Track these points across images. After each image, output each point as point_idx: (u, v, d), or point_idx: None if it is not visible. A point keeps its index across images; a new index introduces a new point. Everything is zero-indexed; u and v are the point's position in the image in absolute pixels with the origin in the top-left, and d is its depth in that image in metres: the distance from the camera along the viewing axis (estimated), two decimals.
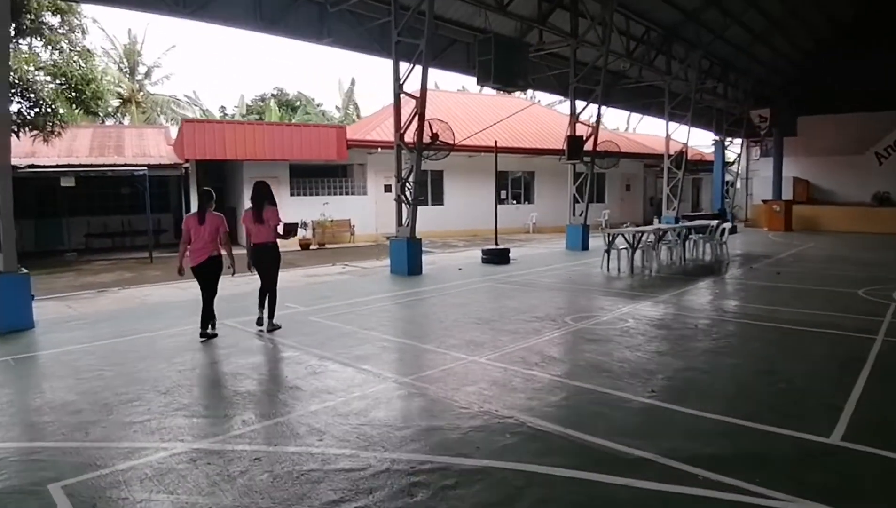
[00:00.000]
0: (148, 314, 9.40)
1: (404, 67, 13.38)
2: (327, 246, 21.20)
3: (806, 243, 19.83)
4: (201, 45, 79.71)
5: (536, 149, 26.75)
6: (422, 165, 13.35)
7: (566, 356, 6.67)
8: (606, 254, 13.74)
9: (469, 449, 4.19)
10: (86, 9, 15.24)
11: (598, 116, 18.53)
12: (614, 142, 20.29)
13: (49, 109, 14.32)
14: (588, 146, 18.28)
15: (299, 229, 20.55)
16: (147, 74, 38.52)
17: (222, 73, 75.02)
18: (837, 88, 27.56)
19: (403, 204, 13.57)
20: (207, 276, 7.58)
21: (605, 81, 18.12)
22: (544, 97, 40.50)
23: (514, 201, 28.30)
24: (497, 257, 15.22)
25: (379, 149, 22.14)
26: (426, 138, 13.12)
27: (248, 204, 8.18)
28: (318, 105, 40.37)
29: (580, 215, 18.69)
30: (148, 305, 10.36)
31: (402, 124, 13.45)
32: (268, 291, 7.96)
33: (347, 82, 43.12)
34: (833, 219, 26.53)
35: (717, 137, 29.31)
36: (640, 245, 13.78)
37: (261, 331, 7.93)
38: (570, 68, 18.35)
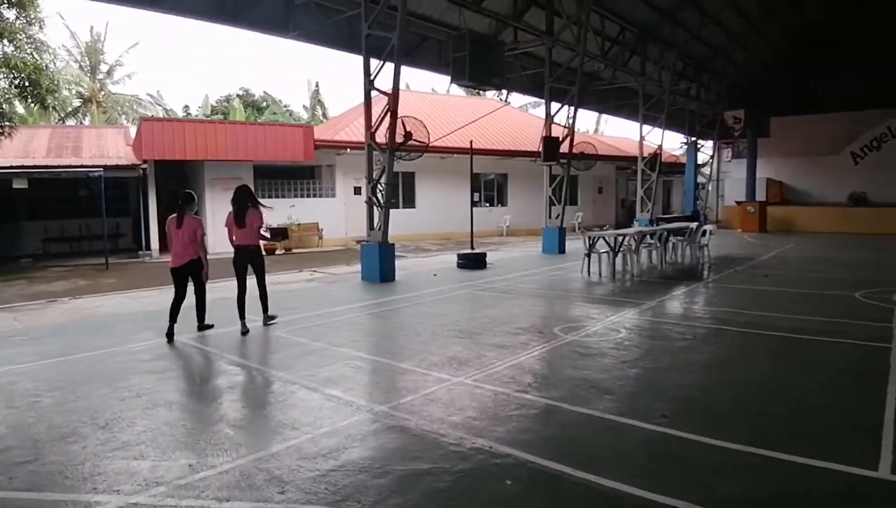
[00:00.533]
0: (97, 329, 8.51)
1: (375, 62, 12.62)
2: (294, 251, 20.25)
3: (785, 245, 19.54)
4: (166, 43, 77.53)
5: (510, 151, 26.22)
6: (394, 165, 12.62)
7: (561, 375, 5.98)
8: (587, 258, 13.17)
9: (463, 502, 3.48)
10: (47, 1, 14.21)
11: (574, 116, 17.97)
12: (591, 143, 19.79)
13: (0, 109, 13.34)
14: (564, 148, 17.74)
15: (265, 233, 19.71)
16: (109, 73, 37.13)
17: (187, 72, 73.21)
18: (811, 88, 27.44)
19: (375, 207, 12.81)
20: (185, 280, 7.74)
21: (580, 81, 17.60)
22: (515, 100, 40.05)
23: (487, 204, 27.70)
24: (473, 261, 14.55)
25: (348, 149, 21.33)
26: (399, 137, 12.39)
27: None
28: (285, 106, 39.12)
29: (556, 217, 18.13)
30: (98, 317, 9.44)
31: (374, 123, 12.71)
32: (259, 292, 8.17)
33: (317, 81, 41.81)
34: (809, 220, 26.39)
35: (689, 139, 29.07)
36: (622, 249, 13.23)
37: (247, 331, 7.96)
38: (545, 68, 17.81)
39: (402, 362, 6.46)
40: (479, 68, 13.60)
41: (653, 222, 23.29)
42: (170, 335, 7.48)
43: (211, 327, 8.06)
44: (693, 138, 28.73)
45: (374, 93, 12.76)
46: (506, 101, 36.27)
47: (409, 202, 24.78)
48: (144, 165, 19.34)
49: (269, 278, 8.58)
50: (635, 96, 23.89)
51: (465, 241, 21.93)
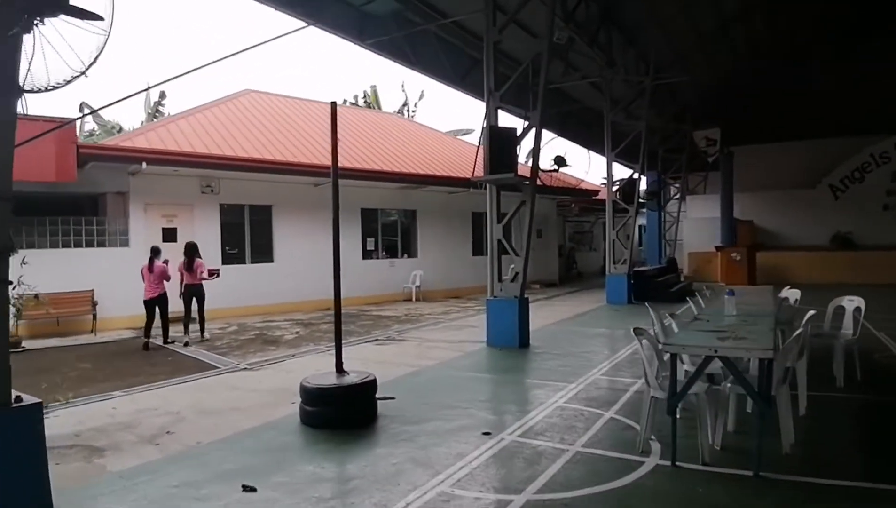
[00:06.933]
0: None
1: None
2: (26, 346, 10.08)
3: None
4: None
5: (422, 175, 17.06)
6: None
7: None
8: (672, 417, 4.35)
9: None
10: None
11: (541, 99, 9.36)
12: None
13: None
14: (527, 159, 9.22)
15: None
16: None
17: None
18: (777, 113, 21.14)
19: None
20: (154, 308, 9.94)
21: (552, 30, 9.19)
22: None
23: (386, 254, 18.10)
24: (340, 410, 5.31)
25: (144, 165, 11.69)
26: None
27: None
28: (112, 125, 27.26)
29: (513, 278, 9.37)
30: None
31: None
32: (199, 316, 10.52)
33: (161, 91, 27.47)
34: (802, 268, 19.61)
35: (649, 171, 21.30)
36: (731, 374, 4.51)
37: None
38: (487, 10, 9.34)
39: None
40: None
41: (629, 276, 15.26)
42: (146, 346, 9.63)
43: (172, 342, 10.03)
44: (650, 170, 20.91)
45: None
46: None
47: (264, 254, 14.85)
48: None
49: None
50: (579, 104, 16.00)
51: (353, 314, 12.75)
